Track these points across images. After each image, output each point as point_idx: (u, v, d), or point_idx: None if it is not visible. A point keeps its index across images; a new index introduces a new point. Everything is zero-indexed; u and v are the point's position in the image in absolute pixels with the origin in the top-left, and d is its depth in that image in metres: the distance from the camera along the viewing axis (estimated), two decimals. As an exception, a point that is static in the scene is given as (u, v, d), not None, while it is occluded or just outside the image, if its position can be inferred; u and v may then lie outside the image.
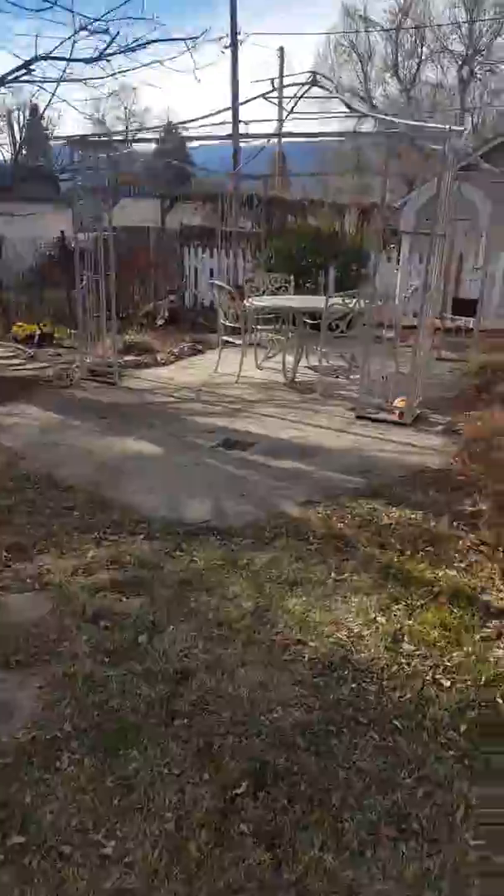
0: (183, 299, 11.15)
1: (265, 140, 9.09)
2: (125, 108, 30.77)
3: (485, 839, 1.71)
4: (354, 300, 5.81)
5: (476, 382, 6.27)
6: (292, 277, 7.87)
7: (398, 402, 5.43)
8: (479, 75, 28.39)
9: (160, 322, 10.01)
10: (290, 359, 6.90)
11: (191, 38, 5.80)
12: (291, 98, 6.32)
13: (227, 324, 6.89)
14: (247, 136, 6.76)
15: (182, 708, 2.21)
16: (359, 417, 5.48)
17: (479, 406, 5.65)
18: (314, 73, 5.93)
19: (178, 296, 10.94)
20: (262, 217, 10.59)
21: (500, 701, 2.23)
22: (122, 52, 5.72)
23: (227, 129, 6.94)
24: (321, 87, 5.94)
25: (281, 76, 25.20)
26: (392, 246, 13.80)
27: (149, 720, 2.16)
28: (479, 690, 2.28)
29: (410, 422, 5.31)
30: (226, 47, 14.50)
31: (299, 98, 6.17)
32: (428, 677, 2.36)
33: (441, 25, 28.74)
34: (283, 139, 12.65)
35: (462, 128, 5.08)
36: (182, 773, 1.96)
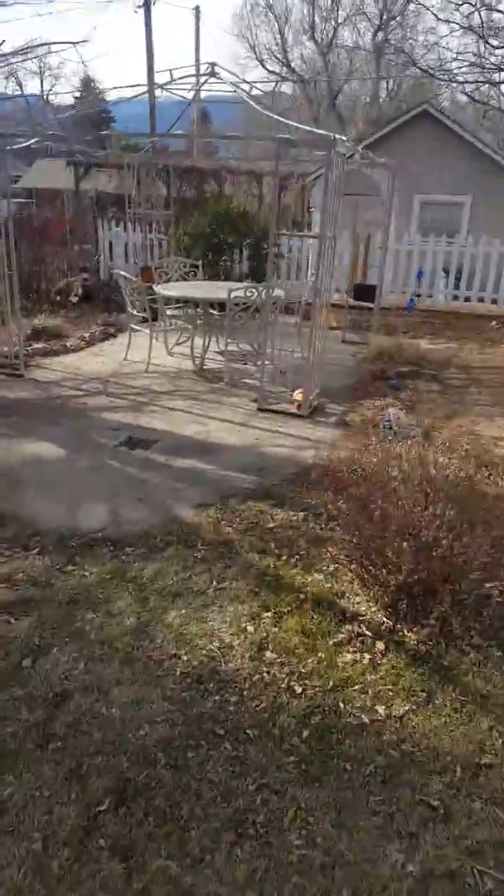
0: (98, 274, 10.98)
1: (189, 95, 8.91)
2: (39, 60, 29.06)
3: (305, 839, 2.02)
4: (256, 293, 5.95)
5: (373, 369, 6.57)
6: (200, 262, 7.91)
7: (297, 395, 5.67)
8: (392, 42, 28.17)
9: (74, 300, 9.88)
10: (199, 342, 7.01)
11: (81, 42, 5.70)
12: (190, 89, 6.28)
13: (135, 313, 6.92)
14: (163, 134, 6.61)
15: (58, 731, 2.42)
16: (260, 410, 5.70)
17: (372, 394, 5.97)
18: (213, 64, 5.92)
19: (92, 272, 10.76)
20: (175, 195, 10.45)
21: (342, 705, 2.54)
22: (9, 54, 5.54)
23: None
24: (219, 78, 5.92)
25: (197, 37, 24.18)
26: (311, 209, 13.87)
27: (26, 745, 2.36)
28: (325, 696, 2.58)
29: (308, 414, 5.57)
30: (139, 7, 13.89)
31: (199, 89, 6.14)
32: (283, 685, 2.64)
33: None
34: (205, 95, 12.39)
35: (344, 137, 5.22)
36: (52, 794, 2.18)
